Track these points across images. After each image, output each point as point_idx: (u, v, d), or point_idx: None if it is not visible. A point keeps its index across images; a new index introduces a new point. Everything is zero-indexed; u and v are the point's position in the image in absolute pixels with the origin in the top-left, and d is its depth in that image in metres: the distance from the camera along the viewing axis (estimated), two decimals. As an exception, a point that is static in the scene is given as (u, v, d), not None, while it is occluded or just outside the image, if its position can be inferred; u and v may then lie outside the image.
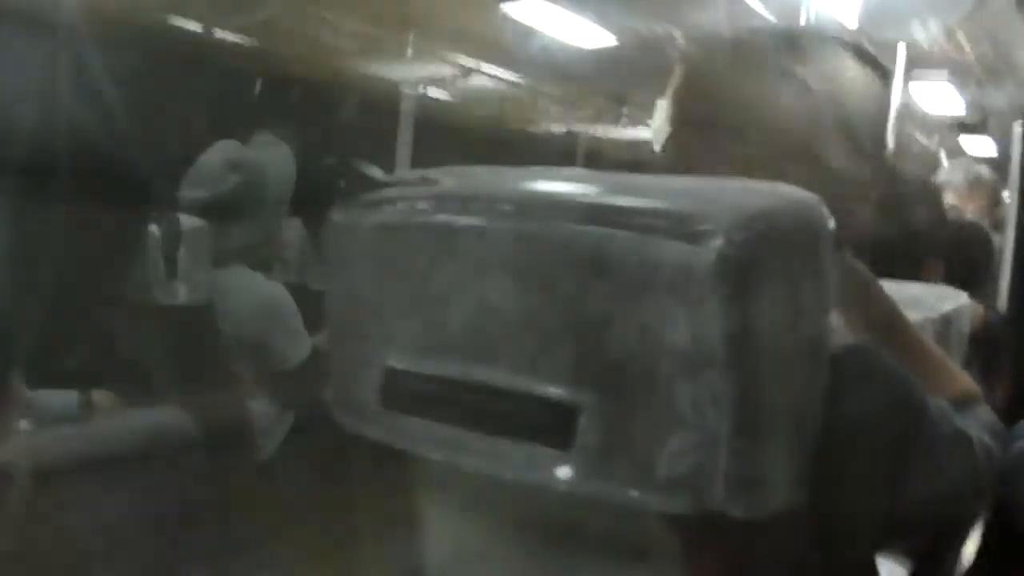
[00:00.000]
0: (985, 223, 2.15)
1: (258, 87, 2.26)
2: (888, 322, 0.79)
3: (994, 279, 1.93)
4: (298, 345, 1.86)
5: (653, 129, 0.82)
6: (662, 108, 0.80)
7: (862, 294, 0.78)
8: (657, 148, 0.80)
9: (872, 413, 0.63)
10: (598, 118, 6.05)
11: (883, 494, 0.66)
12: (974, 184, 2.23)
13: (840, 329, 0.67)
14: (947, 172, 2.35)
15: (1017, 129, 2.22)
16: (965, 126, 5.85)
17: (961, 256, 1.64)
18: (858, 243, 0.76)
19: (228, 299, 1.83)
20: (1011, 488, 0.82)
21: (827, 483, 0.60)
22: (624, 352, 0.57)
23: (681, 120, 0.81)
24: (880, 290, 0.79)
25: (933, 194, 1.47)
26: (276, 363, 1.86)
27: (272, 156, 1.99)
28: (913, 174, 1.52)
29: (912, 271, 1.23)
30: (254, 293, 1.88)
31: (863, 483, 0.64)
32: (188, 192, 1.88)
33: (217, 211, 1.85)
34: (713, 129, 0.78)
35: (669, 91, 0.80)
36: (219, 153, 1.93)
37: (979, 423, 0.76)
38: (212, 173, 1.90)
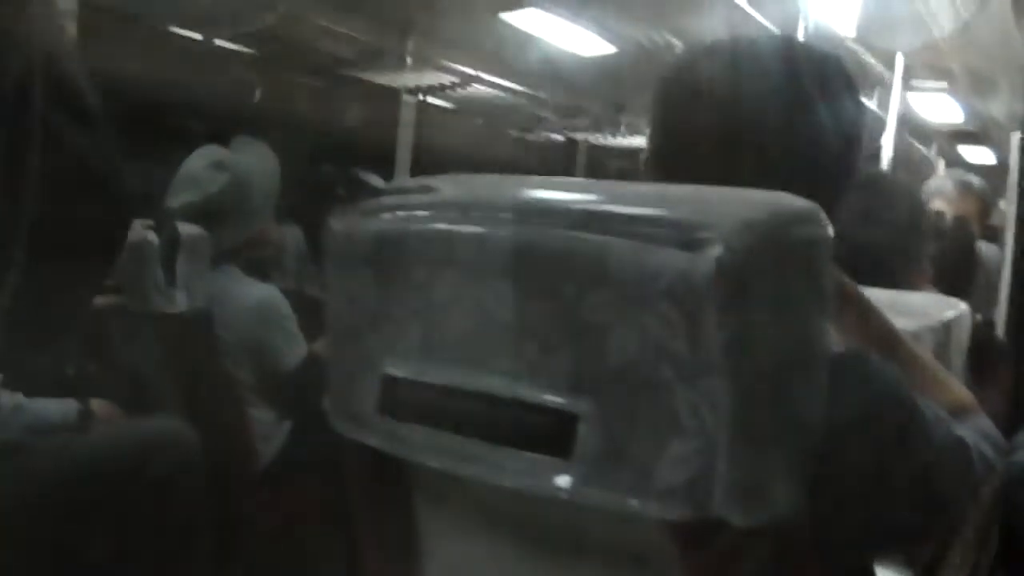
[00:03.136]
0: (974, 228, 2.15)
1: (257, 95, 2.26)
2: (880, 335, 0.79)
3: (979, 285, 1.93)
4: (294, 348, 1.86)
5: (647, 139, 0.82)
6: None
7: (852, 308, 0.77)
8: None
9: (867, 418, 0.63)
10: (597, 126, 6.05)
11: (880, 499, 0.66)
12: (963, 191, 2.24)
13: (834, 340, 0.67)
14: (938, 180, 2.35)
15: (1015, 139, 2.23)
16: (963, 136, 5.86)
17: (944, 259, 1.64)
18: (842, 252, 0.76)
19: (224, 303, 1.82)
20: (1015, 497, 0.82)
21: (824, 489, 0.60)
22: (623, 360, 0.57)
23: (662, 132, 0.81)
24: (869, 303, 0.79)
25: (916, 199, 1.47)
26: (272, 366, 1.85)
27: (255, 156, 1.98)
28: (895, 180, 1.51)
29: (898, 278, 1.23)
30: (249, 297, 1.87)
31: (859, 489, 0.64)
32: (177, 198, 1.88)
33: (208, 213, 1.85)
34: (695, 142, 0.78)
35: (651, 101, 0.80)
36: (203, 157, 1.92)
37: (976, 431, 0.76)
38: (199, 176, 1.89)
